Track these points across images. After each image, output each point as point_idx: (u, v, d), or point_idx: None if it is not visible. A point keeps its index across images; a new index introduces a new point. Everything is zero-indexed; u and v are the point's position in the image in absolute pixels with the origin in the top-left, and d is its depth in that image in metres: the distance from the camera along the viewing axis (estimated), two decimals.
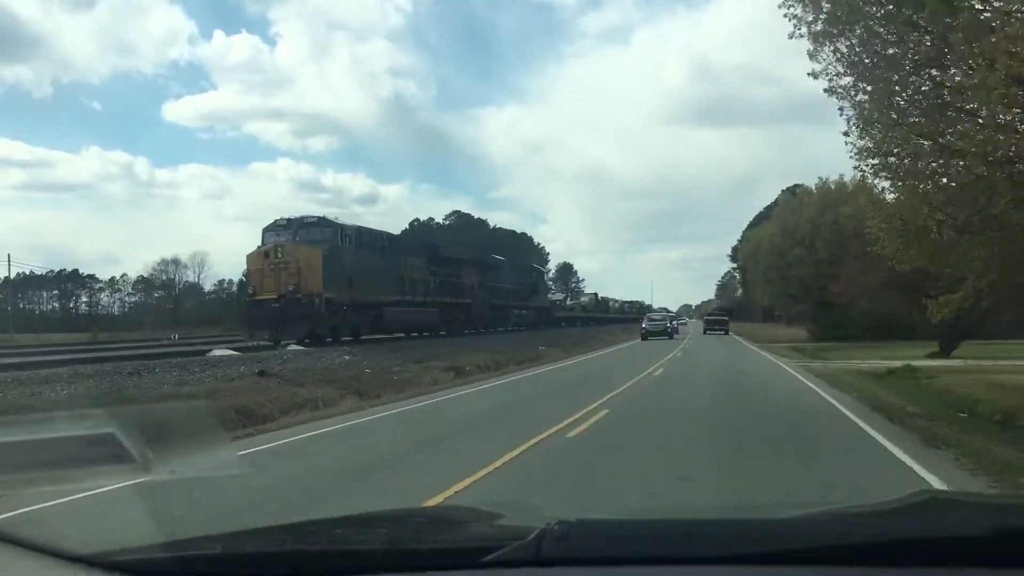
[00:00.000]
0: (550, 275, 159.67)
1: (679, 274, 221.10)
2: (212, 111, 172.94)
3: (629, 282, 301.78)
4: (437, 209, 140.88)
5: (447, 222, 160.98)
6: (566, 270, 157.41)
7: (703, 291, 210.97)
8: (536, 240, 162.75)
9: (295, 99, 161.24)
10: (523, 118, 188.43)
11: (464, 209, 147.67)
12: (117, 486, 4.95)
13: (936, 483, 7.07)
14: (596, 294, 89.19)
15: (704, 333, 57.48)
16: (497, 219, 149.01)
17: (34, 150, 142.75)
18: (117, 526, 4.63)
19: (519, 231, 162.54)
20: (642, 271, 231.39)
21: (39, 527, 4.29)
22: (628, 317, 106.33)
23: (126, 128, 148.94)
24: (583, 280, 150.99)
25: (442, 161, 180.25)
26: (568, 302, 65.58)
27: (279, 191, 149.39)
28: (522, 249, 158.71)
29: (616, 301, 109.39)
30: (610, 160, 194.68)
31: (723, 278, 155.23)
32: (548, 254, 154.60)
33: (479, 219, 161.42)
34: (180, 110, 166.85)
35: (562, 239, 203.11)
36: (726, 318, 58.76)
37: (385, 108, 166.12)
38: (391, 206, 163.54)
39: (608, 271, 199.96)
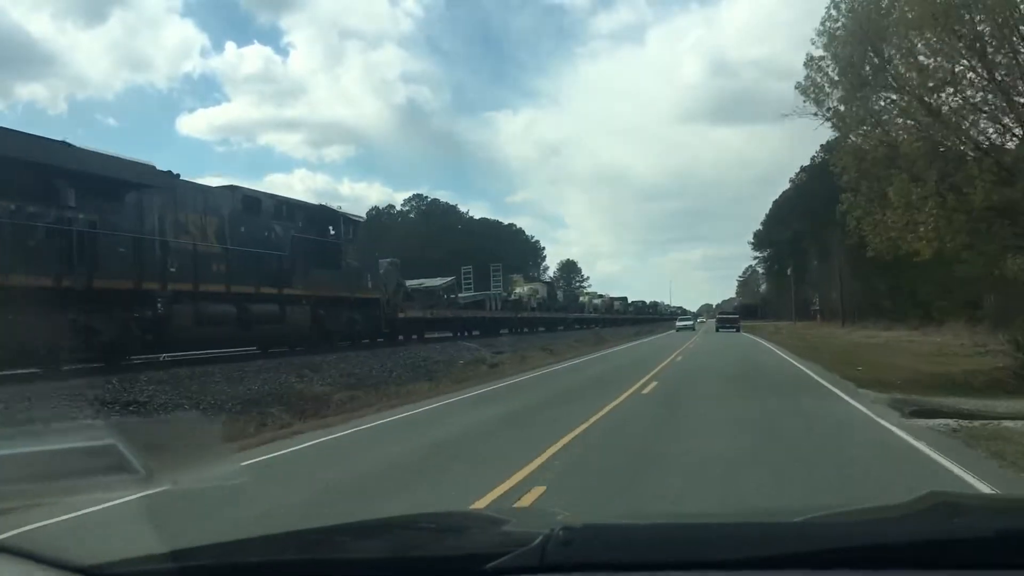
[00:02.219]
0: (549, 272, 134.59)
1: (701, 274, 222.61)
2: (227, 123, 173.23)
3: (651, 283, 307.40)
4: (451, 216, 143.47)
5: (406, 208, 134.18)
6: (570, 268, 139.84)
7: (725, 290, 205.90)
8: (531, 235, 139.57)
9: (309, 109, 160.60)
10: (538, 121, 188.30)
11: (482, 214, 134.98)
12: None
13: None
14: (552, 284, 60.70)
15: (717, 330, 59.19)
16: (516, 223, 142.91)
17: None
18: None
19: (505, 222, 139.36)
20: (663, 272, 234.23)
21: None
22: (623, 319, 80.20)
23: (142, 143, 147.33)
24: (587, 278, 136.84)
25: (458, 167, 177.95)
26: (463, 295, 36.15)
27: None
28: (508, 243, 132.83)
29: (600, 296, 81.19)
30: (628, 161, 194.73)
31: (744, 274, 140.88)
32: (544, 249, 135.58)
33: (448, 205, 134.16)
34: (195, 123, 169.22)
35: (583, 242, 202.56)
36: (736, 316, 68.47)
37: (399, 115, 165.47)
38: None
39: (629, 272, 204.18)
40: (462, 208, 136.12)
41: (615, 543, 1.57)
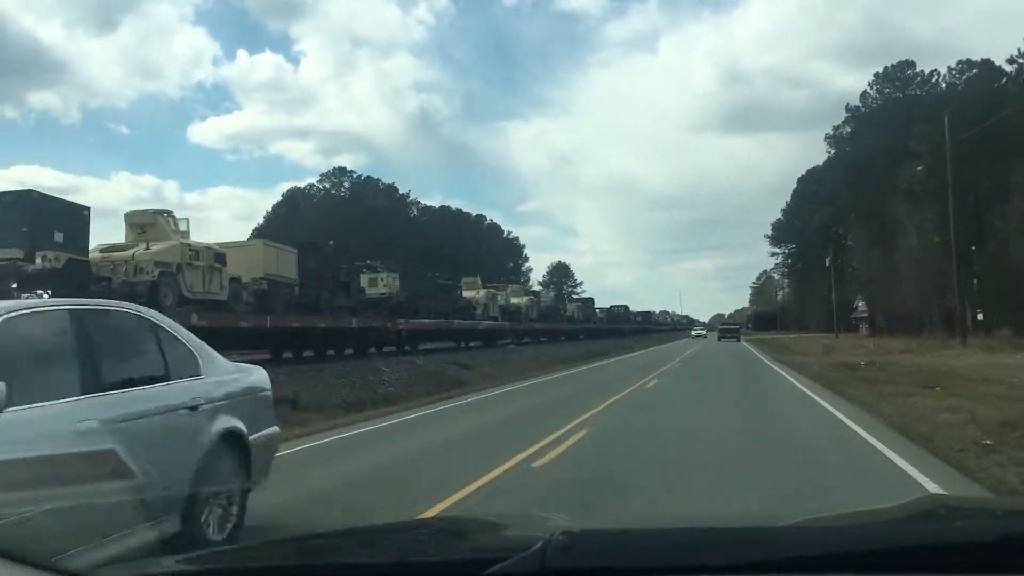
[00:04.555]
0: (533, 274, 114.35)
1: (713, 284, 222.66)
2: (238, 132, 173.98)
3: (662, 293, 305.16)
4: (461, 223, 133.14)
5: (327, 185, 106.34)
6: (561, 271, 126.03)
7: (738, 300, 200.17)
8: (507, 230, 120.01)
9: (320, 117, 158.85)
10: (550, 130, 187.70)
11: (492, 222, 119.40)
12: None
13: None
14: (375, 264, 30.15)
15: (720, 340, 58.93)
16: (528, 233, 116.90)
17: (64, 176, 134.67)
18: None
19: (475, 214, 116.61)
20: (675, 282, 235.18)
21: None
22: (585, 329, 53.15)
23: (154, 152, 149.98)
24: (581, 283, 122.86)
25: (470, 176, 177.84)
26: None
27: None
28: (477, 240, 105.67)
29: (534, 292, 52.66)
30: (639, 170, 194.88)
31: (759, 279, 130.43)
32: (524, 247, 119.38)
33: (387, 185, 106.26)
34: (207, 132, 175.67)
35: (593, 252, 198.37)
36: (736, 327, 67.91)
37: (411, 124, 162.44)
38: None
39: (640, 282, 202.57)
40: (410, 191, 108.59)
41: (615, 548, 1.57)
